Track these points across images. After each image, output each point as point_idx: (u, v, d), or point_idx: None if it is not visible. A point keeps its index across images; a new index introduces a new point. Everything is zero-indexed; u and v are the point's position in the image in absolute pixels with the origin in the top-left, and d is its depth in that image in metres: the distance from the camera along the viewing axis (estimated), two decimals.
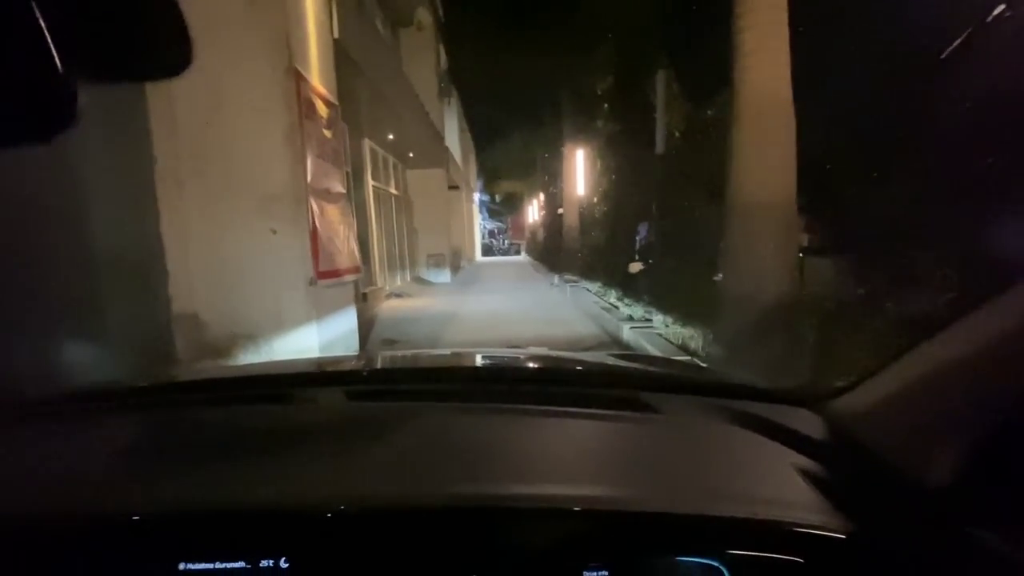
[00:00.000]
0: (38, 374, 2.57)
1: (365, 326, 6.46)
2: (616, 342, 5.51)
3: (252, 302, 3.84)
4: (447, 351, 1.71)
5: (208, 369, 2.72)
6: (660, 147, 5.59)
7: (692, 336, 4.27)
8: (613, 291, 7.03)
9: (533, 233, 24.10)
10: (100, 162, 3.26)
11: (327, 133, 4.43)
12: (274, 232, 3.77)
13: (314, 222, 3.97)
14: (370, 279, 9.28)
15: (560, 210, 13.29)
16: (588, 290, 8.32)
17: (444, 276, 13.69)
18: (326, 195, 4.32)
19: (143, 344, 3.64)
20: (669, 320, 4.75)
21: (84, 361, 2.94)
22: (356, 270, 4.98)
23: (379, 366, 1.25)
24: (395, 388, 0.91)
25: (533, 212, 24.13)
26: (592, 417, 0.79)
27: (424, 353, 1.81)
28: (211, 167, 3.77)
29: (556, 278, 11.57)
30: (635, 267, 5.48)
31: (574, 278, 10.19)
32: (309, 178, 3.96)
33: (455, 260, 17.40)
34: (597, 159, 7.74)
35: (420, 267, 13.63)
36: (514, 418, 0.78)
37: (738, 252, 3.32)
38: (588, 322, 6.77)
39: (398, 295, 10.34)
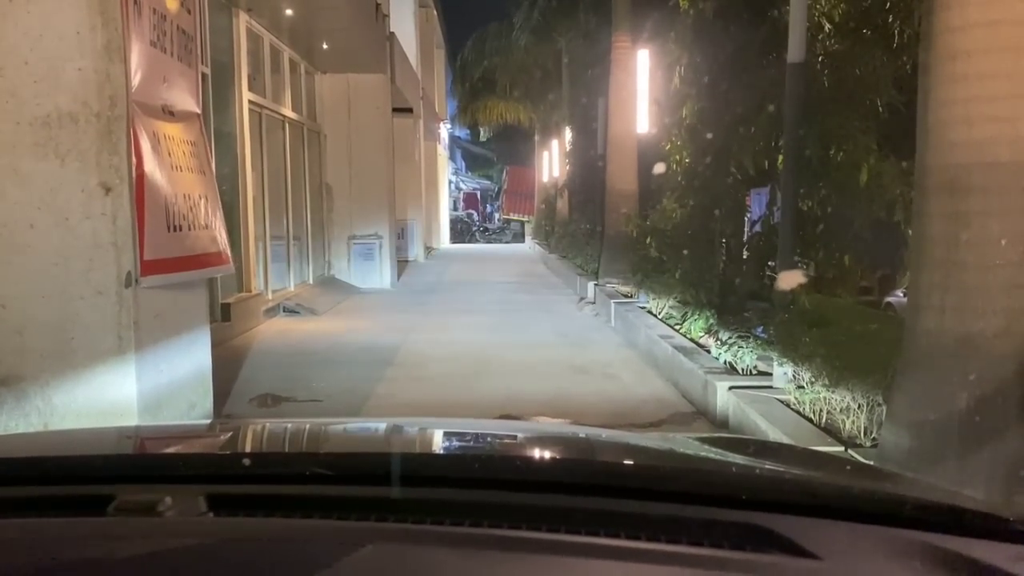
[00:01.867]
0: None
1: (226, 367, 6.49)
2: (701, 413, 5.56)
3: (15, 314, 3.84)
4: (394, 422, 1.73)
5: None
6: (796, 52, 5.64)
7: (847, 408, 4.32)
8: (699, 315, 7.08)
9: (548, 203, 24.33)
10: None
11: (170, 1, 4.46)
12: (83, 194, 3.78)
13: (140, 166, 3.98)
14: (240, 280, 9.30)
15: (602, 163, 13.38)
16: (651, 312, 8.39)
17: (380, 277, 13.81)
18: (164, 116, 4.34)
19: None
20: (803, 374, 4.78)
21: None
22: (218, 260, 4.99)
23: (268, 448, 1.30)
24: (301, 492, 0.94)
25: (549, 165, 24.37)
26: (687, 563, 0.81)
27: (352, 425, 1.85)
28: None
29: (589, 288, 11.66)
30: (790, 280, 5.47)
31: (623, 289, 10.28)
32: (135, 83, 4.00)
33: (402, 248, 17.50)
34: (676, 67, 7.74)
35: (336, 259, 13.71)
36: (530, 561, 0.81)
37: (949, 254, 3.33)
38: (648, 372, 6.88)
39: (292, 310, 10.40)
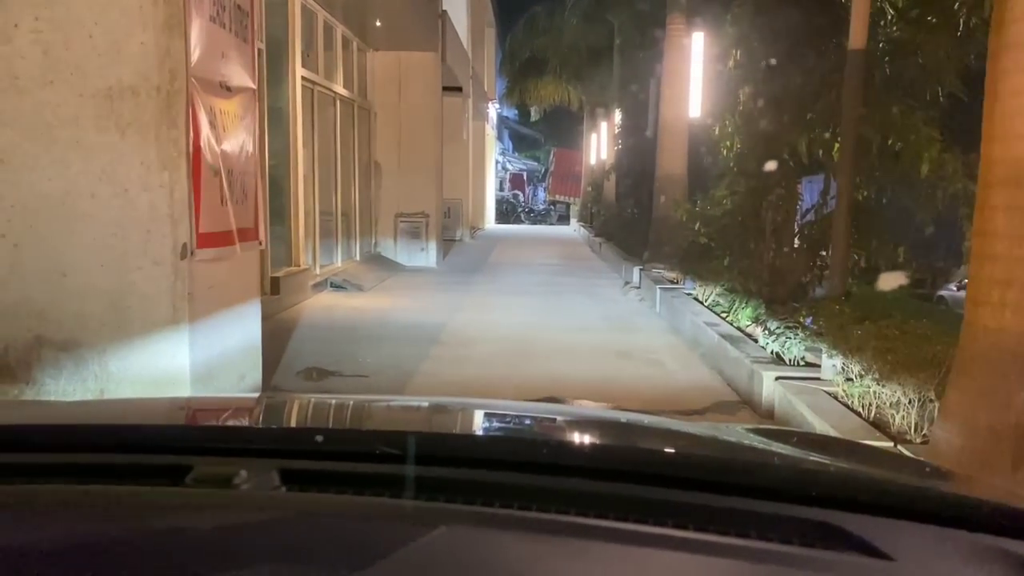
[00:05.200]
0: None
1: (274, 339, 6.59)
2: (746, 402, 5.51)
3: (75, 283, 3.94)
4: (455, 403, 1.75)
5: None
6: (858, 38, 5.51)
7: (897, 402, 4.25)
8: (746, 304, 7.00)
9: (595, 185, 24.19)
10: None
11: None
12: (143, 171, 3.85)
13: (197, 140, 4.04)
14: (289, 254, 9.43)
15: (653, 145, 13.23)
16: (697, 299, 8.33)
17: (426, 256, 13.88)
18: (220, 92, 4.39)
19: None
20: (851, 366, 4.71)
21: None
22: (254, 236, 5.01)
23: (336, 425, 1.30)
24: (373, 471, 0.95)
25: (597, 147, 24.22)
26: (757, 559, 0.80)
27: (413, 404, 1.87)
28: (11, 24, 3.86)
29: (635, 272, 11.60)
30: (891, 281, 5.39)
31: (670, 275, 10.21)
32: (194, 58, 4.05)
33: (448, 227, 17.58)
34: (732, 51, 7.63)
35: (382, 237, 13.81)
36: (604, 550, 0.81)
37: (1012, 249, 3.26)
38: (692, 359, 6.84)
39: (338, 286, 10.51)
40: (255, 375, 4.87)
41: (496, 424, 1.37)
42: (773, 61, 7.03)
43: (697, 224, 8.62)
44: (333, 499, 0.89)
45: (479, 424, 1.38)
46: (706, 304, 8.01)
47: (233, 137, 4.54)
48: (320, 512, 0.87)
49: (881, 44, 6.51)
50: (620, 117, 18.49)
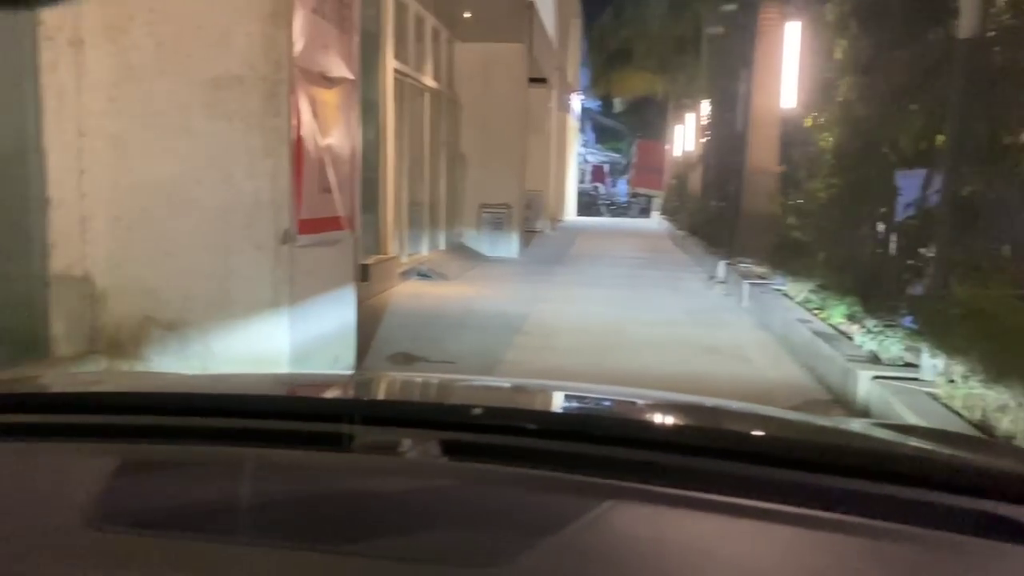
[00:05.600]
0: None
1: (363, 324, 6.72)
2: (839, 402, 5.36)
3: (181, 265, 4.11)
4: (590, 388, 1.79)
5: (133, 376, 2.92)
6: (968, 26, 5.28)
7: (1004, 405, 4.07)
8: (841, 301, 6.80)
9: (679, 178, 23.85)
10: None
11: None
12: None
13: (299, 129, 4.16)
14: (376, 242, 9.60)
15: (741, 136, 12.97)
16: (787, 295, 8.13)
17: (508, 246, 13.95)
18: (322, 82, 4.50)
19: None
20: (955, 368, 4.53)
21: None
22: (349, 224, 5.12)
23: (491, 401, 1.32)
24: (532, 446, 0.97)
25: (682, 139, 23.86)
26: (934, 547, 0.81)
27: (548, 384, 1.90)
28: (128, 17, 4.05)
29: (720, 267, 11.41)
30: (997, 279, 5.22)
31: (758, 270, 10.00)
32: (297, 48, 4.16)
33: (529, 219, 17.59)
34: (830, 40, 7.40)
35: (465, 227, 13.93)
36: (767, 529, 0.82)
37: None
38: (782, 356, 6.69)
39: (424, 275, 10.66)
40: (349, 357, 5.00)
41: (643, 407, 1.37)
42: (873, 51, 6.80)
43: (791, 218, 8.41)
44: (497, 470, 0.90)
45: (625, 406, 1.38)
46: (797, 300, 7.82)
47: (332, 126, 4.65)
48: (486, 481, 0.89)
49: (992, 33, 6.21)
50: (708, 108, 18.18)
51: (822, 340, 6.05)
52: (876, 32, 6.81)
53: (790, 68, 10.28)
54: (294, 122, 4.13)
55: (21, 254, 4.12)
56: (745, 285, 9.35)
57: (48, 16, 3.95)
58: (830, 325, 6.66)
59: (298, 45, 4.16)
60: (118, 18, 4.07)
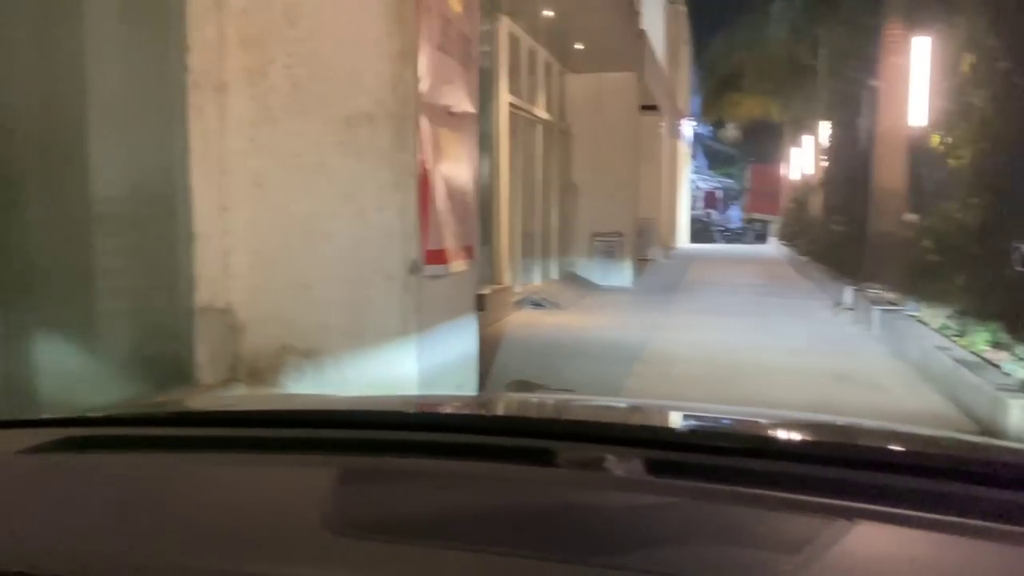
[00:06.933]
0: None
1: (481, 353, 6.80)
2: (986, 432, 5.06)
3: (317, 296, 4.29)
4: (746, 410, 1.80)
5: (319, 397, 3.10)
6: None
7: None
8: (984, 327, 6.45)
9: (797, 201, 23.18)
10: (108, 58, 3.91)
11: (456, 5, 4.74)
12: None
13: (425, 163, 4.29)
14: (492, 272, 9.74)
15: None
16: (922, 321, 7.77)
17: (620, 275, 13.88)
18: (446, 117, 4.64)
19: (145, 352, 4.25)
20: None
21: (44, 375, 3.48)
22: (471, 254, 5.22)
23: (682, 424, 1.33)
24: (729, 464, 0.98)
25: (800, 162, 23.22)
26: None
27: (708, 408, 1.92)
28: (268, 61, 4.30)
29: (847, 293, 11.00)
30: None
31: (888, 296, 9.60)
32: (425, 85, 4.31)
33: (641, 246, 17.44)
34: (962, 54, 7.09)
35: (577, 256, 13.95)
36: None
37: None
38: (919, 384, 6.40)
39: (537, 304, 10.72)
40: (471, 384, 5.09)
41: (840, 428, 1.35)
42: (1010, 63, 6.47)
43: (926, 241, 8.03)
44: (704, 488, 0.91)
45: (818, 429, 1.35)
46: (933, 327, 7.45)
47: (455, 159, 4.78)
48: (694, 498, 0.90)
49: None
50: (828, 129, 17.66)
51: (965, 368, 5.73)
52: (1013, 42, 6.49)
53: (919, 84, 9.90)
54: (420, 156, 4.26)
55: (170, 287, 4.38)
56: (875, 311, 8.98)
57: (195, 63, 4.24)
58: (972, 352, 6.31)
59: (424, 82, 4.31)
60: (258, 62, 4.33)
